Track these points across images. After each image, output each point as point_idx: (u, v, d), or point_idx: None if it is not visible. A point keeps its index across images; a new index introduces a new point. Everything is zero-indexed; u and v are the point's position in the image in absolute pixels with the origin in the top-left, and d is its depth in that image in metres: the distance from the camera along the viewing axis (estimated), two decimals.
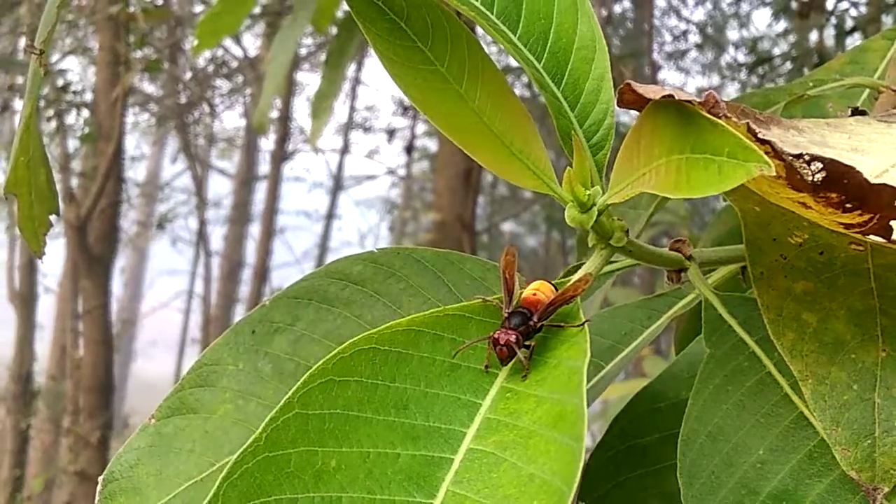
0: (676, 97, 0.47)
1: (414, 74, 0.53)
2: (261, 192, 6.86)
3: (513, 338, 0.49)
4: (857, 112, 0.65)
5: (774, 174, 0.43)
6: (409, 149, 5.98)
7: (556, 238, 6.41)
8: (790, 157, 0.44)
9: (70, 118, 5.55)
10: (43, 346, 6.43)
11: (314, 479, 0.44)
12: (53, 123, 5.40)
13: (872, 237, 0.46)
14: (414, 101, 0.53)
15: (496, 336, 0.49)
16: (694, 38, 6.28)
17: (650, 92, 0.49)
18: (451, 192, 3.74)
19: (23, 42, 4.88)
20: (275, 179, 6.12)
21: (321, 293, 0.62)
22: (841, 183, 0.44)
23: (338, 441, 0.45)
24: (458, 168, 3.70)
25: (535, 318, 0.50)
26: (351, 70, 7.03)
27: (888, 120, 0.61)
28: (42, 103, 5.25)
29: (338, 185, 7.12)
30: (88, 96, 5.36)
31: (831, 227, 0.47)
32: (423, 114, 0.53)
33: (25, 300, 5.85)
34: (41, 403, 5.93)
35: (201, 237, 6.83)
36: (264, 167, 7.01)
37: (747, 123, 0.45)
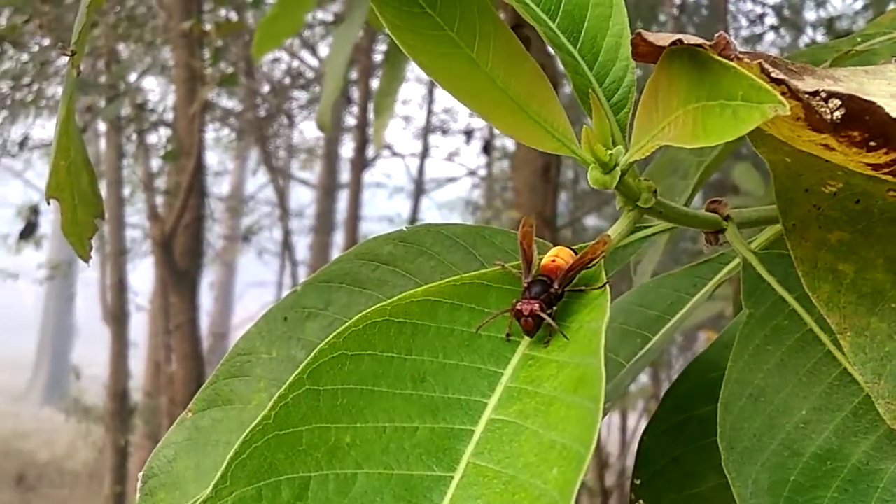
0: (686, 41, 0.45)
1: (423, 40, 0.52)
2: (343, 200, 6.89)
3: (536, 307, 0.47)
4: None
5: (790, 113, 0.41)
6: (487, 148, 5.95)
7: None
8: (806, 96, 0.42)
9: (152, 138, 5.63)
10: (139, 363, 6.52)
11: (328, 457, 0.43)
12: (135, 143, 5.48)
13: None
14: (424, 68, 0.52)
15: (519, 307, 0.47)
16: (770, 20, 6.18)
17: (660, 39, 0.47)
18: (531, 189, 3.70)
19: (100, 65, 4.94)
20: (356, 186, 6.12)
21: (352, 276, 0.61)
22: (862, 120, 0.42)
23: (352, 417, 0.44)
24: (535, 164, 3.65)
25: (555, 285, 0.48)
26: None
27: None
28: (123, 123, 5.33)
29: (419, 188, 7.12)
30: (170, 116, 5.43)
31: (858, 169, 0.45)
32: (434, 81, 0.52)
33: (117, 318, 5.93)
34: (138, 420, 6.00)
35: (286, 247, 6.85)
36: (345, 175, 7.03)
37: (760, 63, 0.43)
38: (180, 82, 4.84)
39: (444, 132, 7.21)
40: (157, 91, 6.45)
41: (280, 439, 0.43)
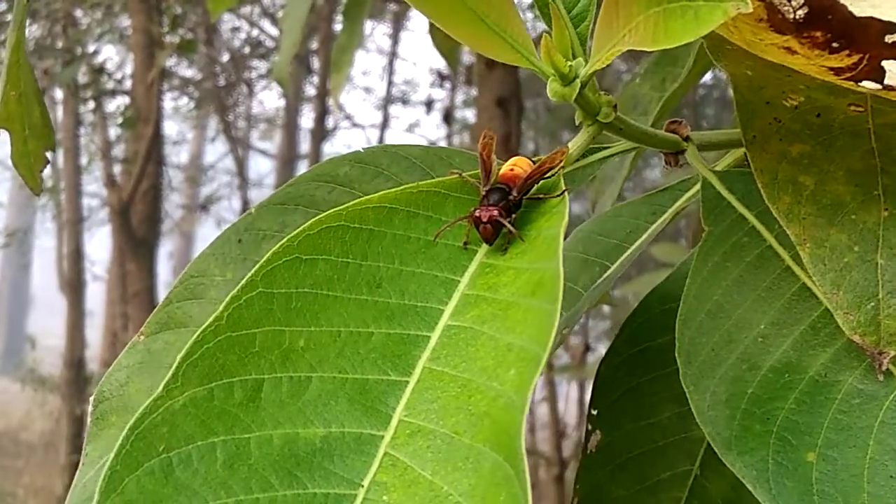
0: None
1: None
2: (302, 170, 6.83)
3: (495, 213, 0.46)
4: None
5: (751, 11, 0.40)
6: (447, 117, 5.92)
7: None
8: None
9: (110, 106, 5.57)
10: (95, 332, 6.47)
11: (281, 360, 0.42)
12: (93, 111, 5.43)
13: (866, 84, 0.43)
14: None
15: (478, 214, 0.46)
16: None
17: None
18: None
19: (57, 28, 4.89)
20: (315, 157, 6.08)
21: (308, 198, 0.60)
22: (825, 19, 0.42)
23: (306, 320, 0.43)
24: (496, 135, 3.65)
25: (514, 193, 0.48)
26: (388, 44, 7.00)
27: None
28: (80, 89, 5.27)
29: None
30: (128, 83, 5.37)
31: (820, 75, 0.44)
32: None
33: (74, 287, 5.87)
34: (94, 389, 5.95)
35: None
36: (305, 146, 6.99)
37: None
38: (138, 49, 4.79)
39: (405, 103, 7.19)
40: (116, 59, 6.38)
41: (232, 340, 0.42)
